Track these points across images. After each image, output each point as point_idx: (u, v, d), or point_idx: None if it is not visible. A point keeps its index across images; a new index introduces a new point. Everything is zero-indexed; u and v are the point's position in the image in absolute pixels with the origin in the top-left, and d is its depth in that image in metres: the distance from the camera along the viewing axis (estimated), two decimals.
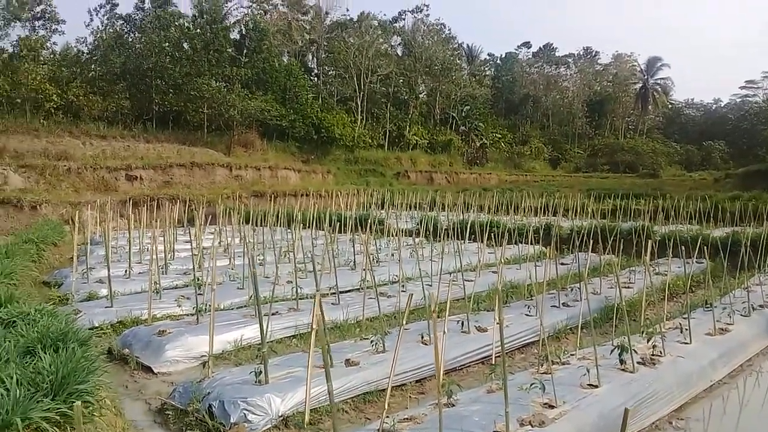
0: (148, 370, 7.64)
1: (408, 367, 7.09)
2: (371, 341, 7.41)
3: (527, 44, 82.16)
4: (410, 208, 28.02)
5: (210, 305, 9.48)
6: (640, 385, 6.31)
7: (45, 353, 5.46)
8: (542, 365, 6.34)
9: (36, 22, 37.98)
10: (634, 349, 6.71)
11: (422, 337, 7.87)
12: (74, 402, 4.82)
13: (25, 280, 11.68)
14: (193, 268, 10.24)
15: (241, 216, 20.99)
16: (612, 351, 6.95)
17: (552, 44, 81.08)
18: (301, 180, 40.66)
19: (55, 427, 4.58)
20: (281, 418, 5.87)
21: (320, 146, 48.14)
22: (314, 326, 3.57)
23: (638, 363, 6.76)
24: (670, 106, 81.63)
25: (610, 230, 15.22)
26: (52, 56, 39.18)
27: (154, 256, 11.08)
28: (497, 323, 5.06)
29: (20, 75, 32.45)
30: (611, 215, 22.83)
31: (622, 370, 6.61)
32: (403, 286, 11.17)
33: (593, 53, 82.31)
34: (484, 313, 9.49)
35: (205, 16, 41.64)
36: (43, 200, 24.32)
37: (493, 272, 12.28)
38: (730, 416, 6.67)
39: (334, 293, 10.56)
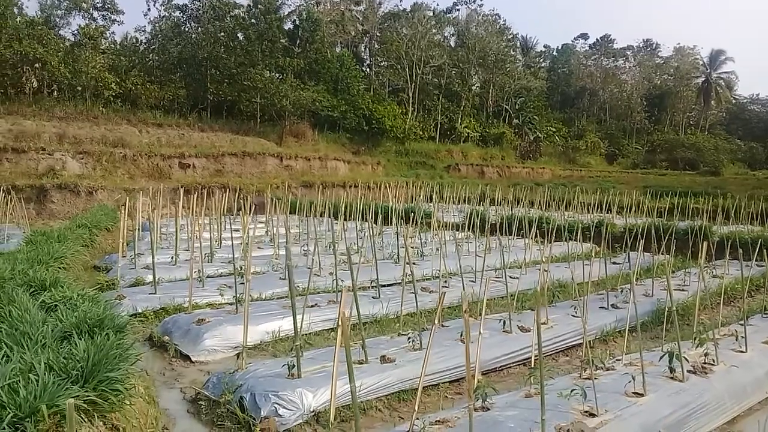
0: (186, 358, 7.67)
1: (444, 366, 6.90)
2: (408, 338, 7.24)
3: (584, 36, 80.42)
4: (459, 201, 27.68)
5: (249, 295, 9.55)
6: (690, 395, 5.96)
7: (80, 339, 5.50)
8: (585, 370, 6.05)
9: (95, 11, 39.02)
10: (684, 357, 6.35)
11: (461, 336, 7.64)
12: (103, 390, 4.86)
13: (76, 264, 11.96)
14: (233, 257, 10.26)
15: (288, 206, 21.10)
16: (661, 357, 6.60)
17: (610, 36, 79.12)
18: (350, 171, 40.73)
19: (83, 414, 4.58)
20: (313, 413, 5.77)
21: (371, 138, 48.11)
22: (340, 322, 3.42)
23: (688, 371, 6.39)
24: (733, 101, 78.49)
25: (666, 229, 14.61)
26: (111, 45, 40.26)
27: (199, 244, 11.20)
28: (535, 324, 4.82)
29: (81, 63, 33.39)
30: (668, 214, 22.03)
31: (671, 378, 6.26)
32: (445, 281, 10.97)
33: (654, 45, 79.80)
34: (528, 312, 9.20)
35: (259, 7, 41.99)
36: (99, 186, 25.02)
37: (540, 270, 11.93)
38: None
39: (374, 287, 10.43)
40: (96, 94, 34.39)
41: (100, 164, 28.15)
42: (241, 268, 10.68)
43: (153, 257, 10.59)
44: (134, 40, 42.81)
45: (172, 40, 39.87)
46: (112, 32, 41.22)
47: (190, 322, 8.18)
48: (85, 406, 4.62)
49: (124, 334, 6.20)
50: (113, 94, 34.63)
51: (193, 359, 7.59)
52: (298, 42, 46.21)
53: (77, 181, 24.46)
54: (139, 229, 16.17)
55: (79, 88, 33.96)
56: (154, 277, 10.27)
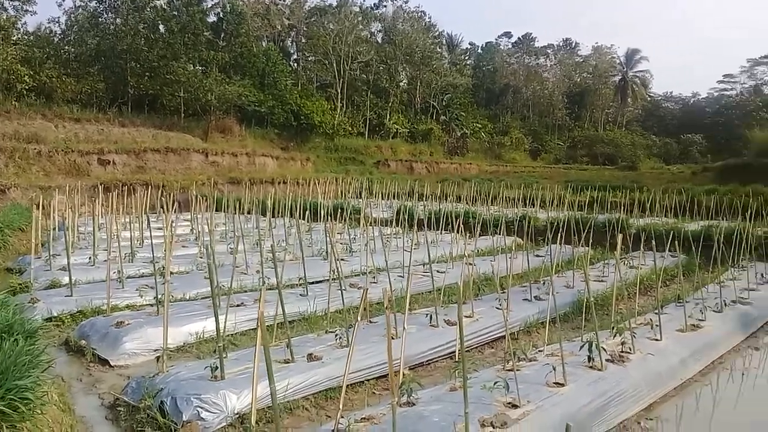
0: (105, 362, 7.37)
1: (373, 362, 6.89)
2: (336, 335, 7.20)
3: (508, 34, 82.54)
4: (389, 197, 27.81)
5: (170, 296, 9.26)
6: (608, 383, 6.17)
7: None
8: (508, 362, 6.17)
9: (6, 1, 36.90)
10: (602, 346, 6.57)
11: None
12: (12, 399, 4.59)
13: None
14: (156, 256, 9.93)
15: (214, 203, 20.64)
16: (581, 347, 6.81)
17: (531, 34, 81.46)
18: (279, 167, 40.20)
19: None
20: (237, 415, 5.65)
21: (299, 133, 47.65)
22: (259, 322, 3.34)
23: (607, 360, 6.62)
24: (648, 98, 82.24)
25: (585, 222, 15.13)
26: (24, 36, 38.15)
27: (118, 244, 10.79)
28: (459, 318, 4.87)
29: None
30: (588, 207, 22.82)
31: (590, 367, 6.47)
32: (373, 277, 10.98)
33: (573, 44, 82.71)
34: (454, 306, 9.31)
35: None
36: (12, 184, 23.69)
37: (467, 264, 12.11)
38: (700, 415, 6.55)
39: (302, 284, 10.32)
40: (8, 87, 32.49)
41: (12, 161, 26.64)
42: (163, 267, 10.35)
43: (68, 258, 10.13)
44: (48, 31, 40.75)
45: (89, 32, 38.18)
46: (24, 23, 39.05)
47: (108, 325, 7.86)
48: None
49: (35, 340, 5.90)
50: (26, 87, 32.79)
51: (112, 364, 7.30)
52: (222, 35, 45.09)
53: None
54: (55, 229, 15.43)
55: None
56: (70, 278, 9.81)
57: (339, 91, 53.32)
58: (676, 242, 9.94)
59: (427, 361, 7.65)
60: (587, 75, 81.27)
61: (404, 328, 6.46)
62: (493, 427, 4.89)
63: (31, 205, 21.87)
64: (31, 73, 33.33)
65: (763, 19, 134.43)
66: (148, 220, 14.29)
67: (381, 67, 57.94)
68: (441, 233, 17.39)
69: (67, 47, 39.51)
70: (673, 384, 7.01)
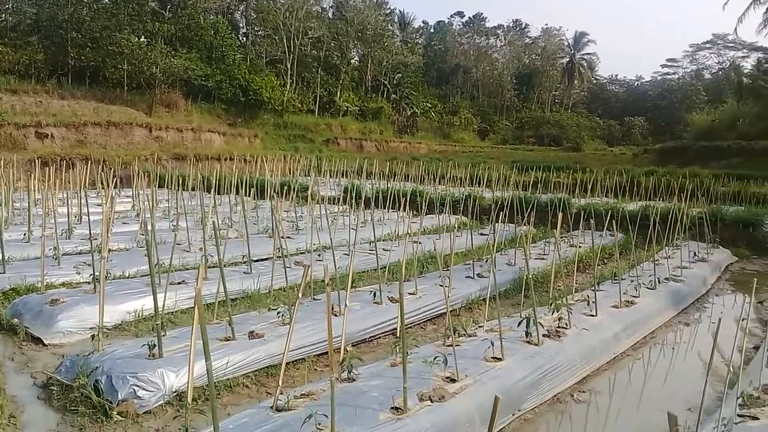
0: (38, 341, 7.14)
1: (315, 339, 6.90)
2: (278, 312, 7.16)
3: (460, 14, 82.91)
4: (337, 175, 27.70)
5: (109, 273, 9.05)
6: (544, 357, 6.34)
7: None
8: (448, 338, 6.27)
9: None
10: (540, 322, 6.75)
11: (333, 308, 7.67)
12: None
13: None
14: (94, 233, 9.66)
15: (157, 179, 20.17)
16: (519, 323, 6.97)
17: (482, 14, 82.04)
18: (226, 144, 39.53)
19: None
20: (175, 393, 5.58)
21: (248, 109, 46.87)
22: (195, 299, 3.29)
23: (543, 335, 6.80)
24: (594, 81, 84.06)
25: (529, 202, 15.41)
26: None
27: (54, 220, 10.46)
28: (401, 295, 4.91)
29: None
30: (533, 187, 23.22)
31: (528, 342, 6.63)
32: (319, 255, 10.95)
33: (523, 26, 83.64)
34: (398, 283, 9.36)
35: None
36: None
37: (413, 242, 12.20)
38: (632, 388, 6.80)
39: (246, 262, 10.22)
40: None
41: None
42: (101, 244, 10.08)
43: (0, 234, 9.74)
44: None
45: (28, 0, 36.47)
46: None
47: (42, 303, 7.61)
48: None
49: None
50: None
51: (46, 342, 7.09)
52: (168, 6, 43.79)
53: None
54: None
55: None
56: (2, 255, 9.44)
57: (289, 67, 52.55)
58: (615, 222, 10.22)
59: (371, 337, 7.70)
60: (536, 56, 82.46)
61: (346, 305, 6.48)
62: (431, 401, 4.97)
63: None
64: None
65: (706, 5, 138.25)
66: (86, 196, 13.84)
67: (332, 44, 57.32)
68: (388, 212, 17.44)
69: (3, 16, 37.70)
70: (607, 358, 7.26)
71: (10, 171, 17.52)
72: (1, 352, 6.89)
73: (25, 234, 11.86)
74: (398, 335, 7.60)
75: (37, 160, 22.94)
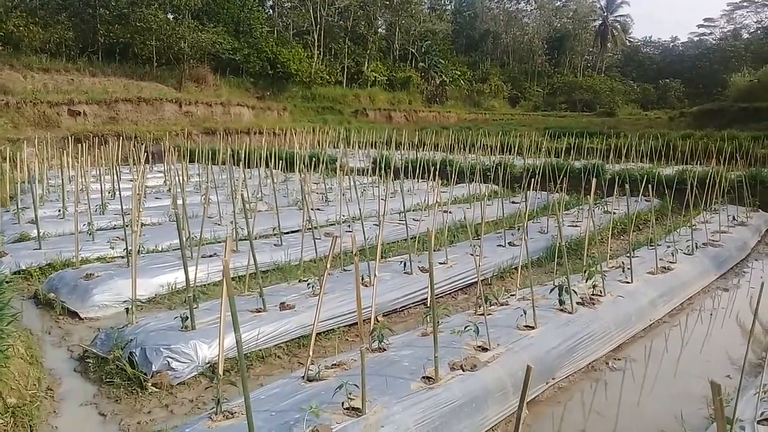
0: (74, 315, 7.29)
1: (346, 310, 6.89)
2: (308, 284, 7.16)
3: None
4: (366, 146, 27.58)
5: (142, 247, 9.15)
6: (578, 325, 6.23)
7: None
8: (479, 307, 6.19)
9: None
10: (574, 289, 6.62)
11: (363, 279, 7.64)
12: None
13: None
14: (127, 207, 9.75)
15: (188, 154, 20.32)
16: (551, 291, 6.87)
17: None
18: (255, 117, 39.60)
19: None
20: (208, 364, 5.63)
21: (276, 82, 46.77)
22: (223, 270, 3.27)
23: (577, 303, 6.67)
24: (628, 44, 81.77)
25: (562, 169, 15.13)
26: None
27: (87, 195, 10.59)
28: (430, 264, 4.83)
29: None
30: (565, 154, 22.81)
31: (561, 310, 6.52)
32: (348, 226, 10.93)
33: None
34: (428, 253, 9.29)
35: None
36: None
37: (443, 212, 12.10)
38: (668, 355, 6.66)
39: (277, 234, 10.24)
40: None
41: None
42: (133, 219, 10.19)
43: (36, 210, 9.93)
44: None
45: None
46: None
47: (77, 278, 7.74)
48: None
49: (0, 293, 5.79)
50: None
51: (82, 316, 7.22)
52: None
53: None
54: (24, 182, 15.11)
55: None
56: (38, 230, 9.61)
57: (316, 38, 52.17)
58: (650, 187, 9.94)
59: (401, 307, 7.67)
60: (567, 20, 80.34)
61: (376, 275, 6.44)
62: (463, 370, 4.91)
63: None
64: None
65: None
66: (119, 172, 14.02)
67: (359, 13, 56.58)
68: (417, 182, 17.32)
69: None
70: (642, 325, 7.11)
71: (45, 149, 17.80)
72: (39, 326, 7.04)
73: (59, 210, 12.04)
74: (429, 305, 7.57)
75: (70, 138, 23.31)
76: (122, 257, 8.69)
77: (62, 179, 12.17)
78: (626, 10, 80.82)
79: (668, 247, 9.39)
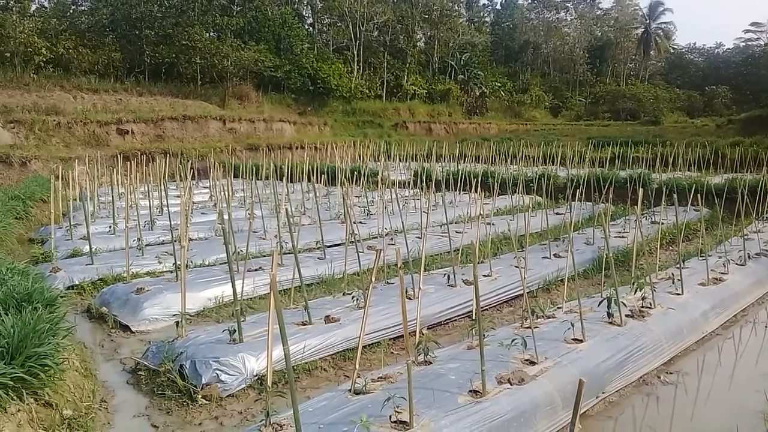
0: (126, 328, 7.47)
1: (390, 323, 6.90)
2: (352, 297, 7.20)
3: None
4: (407, 159, 27.65)
5: (190, 261, 9.33)
6: (628, 338, 6.11)
7: (7, 315, 5.26)
8: (526, 320, 6.13)
9: None
10: (622, 302, 6.50)
11: (406, 292, 7.63)
12: (31, 366, 4.66)
13: (8, 237, 11.48)
14: (174, 223, 9.97)
15: (232, 169, 20.68)
16: (600, 303, 6.75)
17: None
18: (296, 132, 40.08)
19: (11, 392, 4.40)
20: (256, 377, 5.70)
21: (316, 97, 47.32)
22: (270, 284, 3.32)
23: (626, 316, 6.55)
24: (672, 51, 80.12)
25: (607, 179, 14.90)
26: (39, 8, 38.13)
27: (136, 212, 10.86)
28: (475, 276, 4.81)
29: (8, 28, 31.48)
30: (610, 164, 22.46)
31: (610, 323, 6.41)
32: (391, 239, 10.95)
33: None
34: (472, 266, 9.25)
35: None
36: (33, 156, 23.94)
37: (485, 224, 12.04)
38: (722, 368, 6.47)
39: (320, 247, 10.33)
40: (26, 60, 32.50)
41: (33, 133, 26.87)
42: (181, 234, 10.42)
43: (88, 226, 10.23)
44: (63, 1, 40.58)
45: (102, 0, 37.94)
46: None
47: (128, 292, 7.95)
48: (13, 383, 4.44)
49: (55, 307, 5.97)
50: (44, 59, 32.79)
51: (133, 329, 7.40)
52: (236, 1, 44.64)
53: (9, 152, 23.27)
54: (76, 199, 15.59)
55: (8, 55, 32.11)
56: (90, 246, 9.91)
57: (355, 53, 52.68)
58: (699, 196, 9.71)
59: (446, 320, 7.64)
60: (608, 28, 79.25)
61: (420, 287, 6.43)
62: (510, 384, 4.86)
63: (51, 176, 22.12)
64: (48, 45, 33.32)
65: None
66: (166, 188, 14.35)
67: (398, 27, 56.92)
68: (459, 194, 17.27)
69: (82, 18, 39.34)
70: (695, 338, 6.93)
71: (95, 167, 18.35)
72: (92, 339, 7.23)
73: (110, 226, 12.40)
74: (474, 318, 7.52)
75: (119, 156, 23.99)
76: (171, 272, 8.89)
77: (112, 196, 12.53)
78: (669, 17, 79.52)
79: (719, 257, 9.15)
